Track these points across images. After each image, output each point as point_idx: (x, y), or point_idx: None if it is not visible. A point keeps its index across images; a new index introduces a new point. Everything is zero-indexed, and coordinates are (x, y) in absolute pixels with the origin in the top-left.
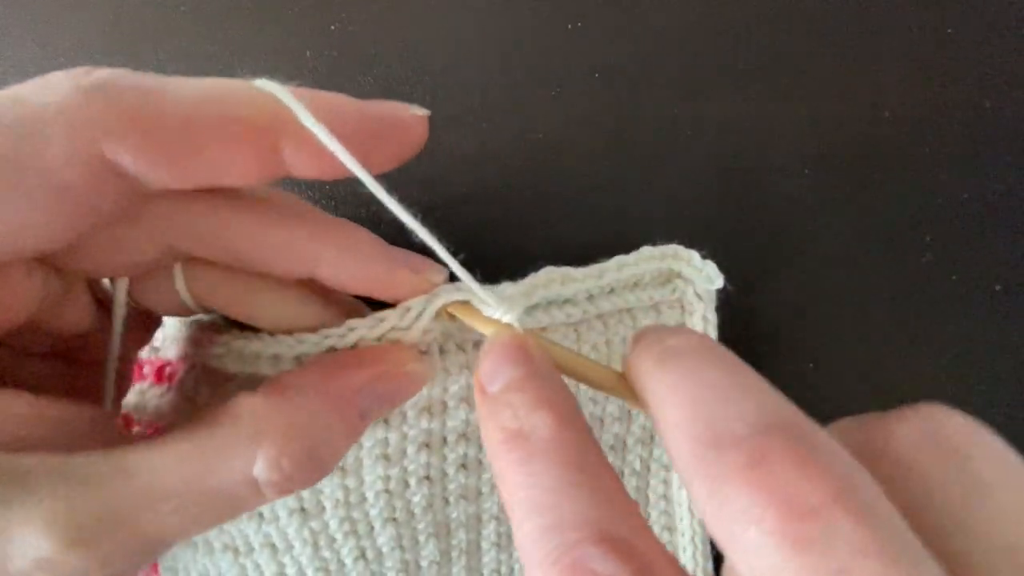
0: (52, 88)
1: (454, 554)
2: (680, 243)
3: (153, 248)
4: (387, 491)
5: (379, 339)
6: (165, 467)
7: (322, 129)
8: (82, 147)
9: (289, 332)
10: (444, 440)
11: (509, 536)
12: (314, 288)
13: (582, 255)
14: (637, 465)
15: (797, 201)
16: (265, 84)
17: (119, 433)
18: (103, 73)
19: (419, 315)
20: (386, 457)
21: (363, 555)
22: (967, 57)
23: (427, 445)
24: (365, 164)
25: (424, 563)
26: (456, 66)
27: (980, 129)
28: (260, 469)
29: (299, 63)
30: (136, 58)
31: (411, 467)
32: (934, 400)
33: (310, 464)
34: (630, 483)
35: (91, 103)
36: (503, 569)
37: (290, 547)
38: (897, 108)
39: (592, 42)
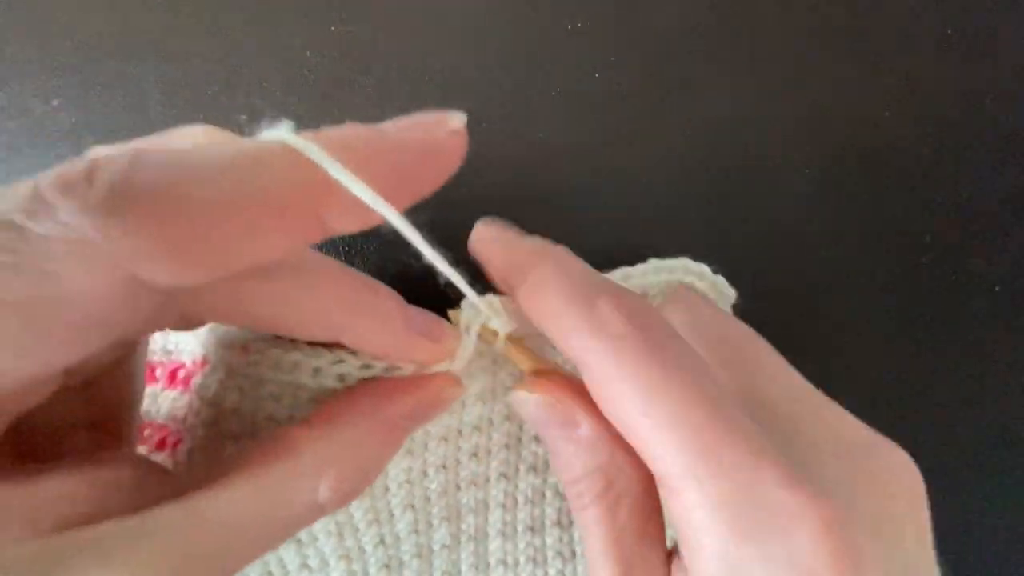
0: (52, 211)
1: (463, 539)
2: (680, 241)
3: (172, 319)
4: (408, 481)
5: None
6: (236, 507)
7: (368, 191)
8: (106, 278)
9: (326, 344)
10: (459, 432)
11: (514, 525)
12: None
13: (581, 254)
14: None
15: (797, 201)
16: (294, 140)
17: (162, 475)
18: (108, 179)
19: (462, 353)
20: (410, 451)
21: (382, 541)
22: (967, 57)
23: (445, 439)
24: (402, 200)
25: (436, 547)
26: (456, 66)
27: (980, 129)
28: (324, 495)
29: (299, 63)
30: (136, 58)
31: (430, 458)
32: (939, 403)
33: (364, 482)
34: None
35: (108, 231)
36: (508, 559)
37: (314, 539)
38: (897, 108)
39: (592, 42)
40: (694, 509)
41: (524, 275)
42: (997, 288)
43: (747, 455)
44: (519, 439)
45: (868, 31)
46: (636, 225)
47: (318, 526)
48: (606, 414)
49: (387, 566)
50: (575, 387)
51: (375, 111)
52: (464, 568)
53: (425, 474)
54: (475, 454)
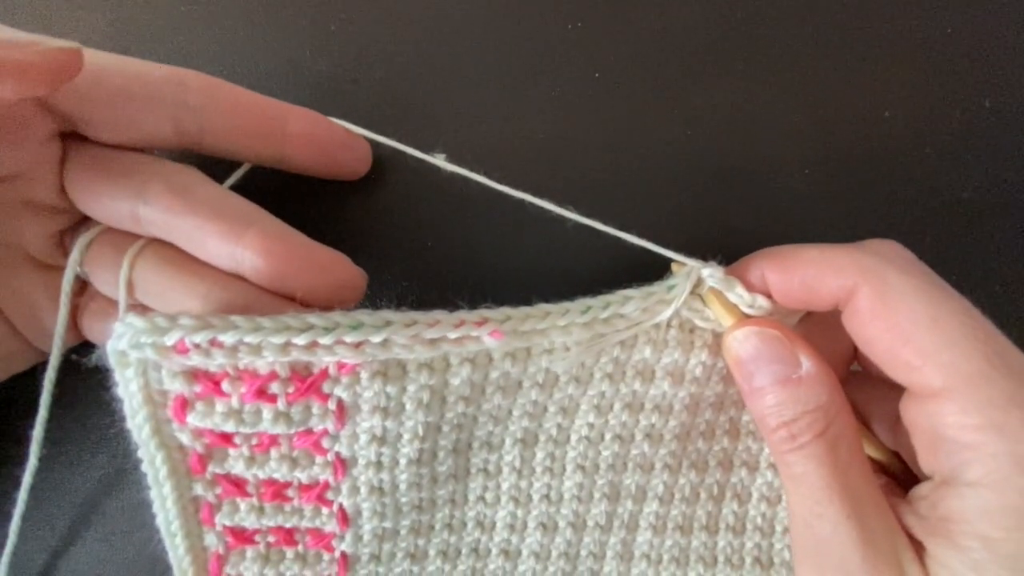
0: None
1: (615, 524)
2: (679, 241)
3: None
4: (587, 438)
5: (645, 310)
6: None
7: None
8: None
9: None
10: (642, 406)
11: (665, 521)
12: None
13: (582, 254)
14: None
15: (797, 201)
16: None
17: None
18: None
19: (675, 302)
20: (597, 408)
21: (548, 495)
22: (967, 57)
23: (630, 406)
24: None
25: (590, 523)
26: (456, 66)
27: (980, 129)
28: None
29: (299, 63)
30: (136, 57)
31: (612, 422)
32: None
33: None
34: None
35: None
36: (653, 554)
37: (499, 472)
38: (897, 108)
39: (592, 42)
40: (983, 409)
41: (787, 254)
42: (997, 288)
43: None
44: (689, 433)
45: (868, 31)
46: (636, 225)
47: (505, 459)
48: (882, 330)
49: (543, 525)
50: (789, 331)
51: (375, 111)
52: (609, 555)
53: (603, 438)
54: (649, 435)
